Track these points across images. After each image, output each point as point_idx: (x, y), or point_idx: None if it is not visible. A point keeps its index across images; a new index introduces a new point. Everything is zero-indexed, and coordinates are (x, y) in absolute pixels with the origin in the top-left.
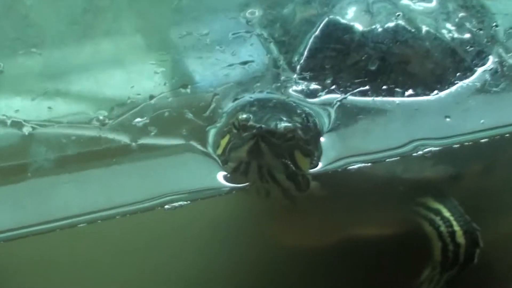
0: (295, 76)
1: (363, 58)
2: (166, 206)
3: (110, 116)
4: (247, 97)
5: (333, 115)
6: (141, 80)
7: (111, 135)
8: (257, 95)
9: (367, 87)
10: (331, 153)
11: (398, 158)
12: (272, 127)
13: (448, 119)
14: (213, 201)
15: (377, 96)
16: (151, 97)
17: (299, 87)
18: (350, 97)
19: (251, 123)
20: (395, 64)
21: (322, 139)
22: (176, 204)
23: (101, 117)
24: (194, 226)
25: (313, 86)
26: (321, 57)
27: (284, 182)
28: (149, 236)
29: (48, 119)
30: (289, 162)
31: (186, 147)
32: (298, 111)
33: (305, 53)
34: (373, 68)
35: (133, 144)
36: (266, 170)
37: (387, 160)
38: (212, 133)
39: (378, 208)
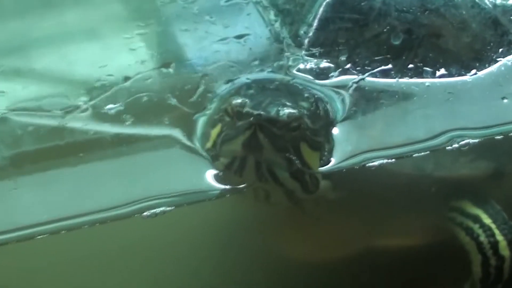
0: (302, 52)
1: (384, 30)
2: (145, 213)
3: (76, 102)
4: (243, 78)
5: (348, 100)
6: (115, 57)
7: (77, 125)
8: (255, 76)
9: (389, 66)
10: (346, 146)
11: (428, 152)
12: (273, 114)
13: (489, 104)
14: (201, 207)
15: (401, 76)
16: (126, 78)
17: (307, 66)
18: (369, 78)
19: (247, 109)
20: (423, 38)
21: (334, 129)
22: (156, 210)
23: (65, 103)
24: (178, 238)
25: (324, 64)
26: (334, 29)
27: (288, 182)
28: (123, 249)
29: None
30: (294, 158)
31: (169, 140)
32: (306, 95)
33: (315, 24)
34: (397, 42)
35: (104, 136)
36: (266, 167)
37: (415, 155)
38: (200, 122)
39: (404, 213)
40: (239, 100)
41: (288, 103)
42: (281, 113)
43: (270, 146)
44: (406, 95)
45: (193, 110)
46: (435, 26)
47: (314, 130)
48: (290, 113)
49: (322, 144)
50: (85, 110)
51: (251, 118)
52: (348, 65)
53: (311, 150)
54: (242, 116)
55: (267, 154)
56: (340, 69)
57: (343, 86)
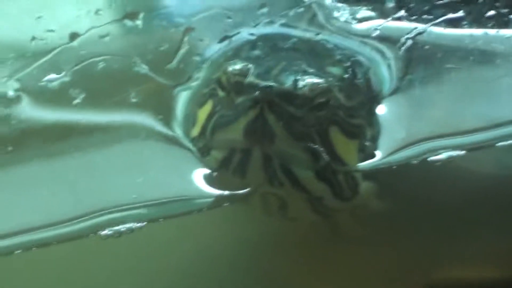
0: None
1: None
2: (104, 232)
3: (2, 71)
4: (245, 33)
5: (399, 64)
6: (56, 4)
7: (4, 107)
8: (262, 30)
9: (460, 13)
10: (397, 132)
11: None
12: (289, 86)
13: None
14: (185, 222)
15: (478, 28)
16: (74, 35)
17: (339, 14)
18: (431, 30)
19: (251, 79)
20: None
21: (380, 107)
22: (120, 227)
23: None
24: (150, 266)
25: (364, 11)
26: None
27: (312, 186)
28: (76, 277)
29: None
30: (321, 149)
31: (137, 126)
32: (337, 58)
33: None
34: None
35: (43, 123)
36: (280, 164)
37: (499, 144)
38: (183, 99)
39: (484, 232)
40: (239, 66)
41: (310, 70)
42: (301, 83)
43: (285, 132)
44: (484, 56)
45: (172, 82)
46: None
47: (350, 108)
48: (313, 83)
49: (362, 129)
50: (16, 83)
51: (256, 92)
52: (401, 12)
53: (345, 137)
54: (244, 89)
55: (281, 144)
56: (388, 18)
57: (392, 43)
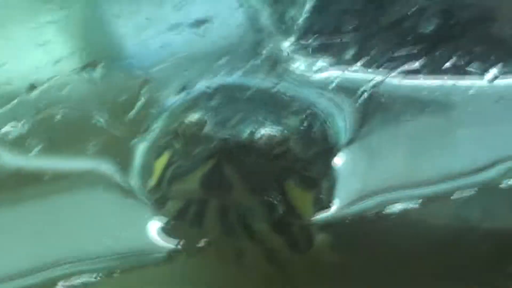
0: (289, 43)
1: (409, 13)
2: (61, 284)
3: None
4: (202, 85)
5: (356, 115)
6: (16, 55)
7: None
8: (220, 81)
9: (416, 65)
10: (353, 184)
11: (474, 191)
12: (246, 138)
13: None
14: (140, 276)
15: (435, 79)
16: (32, 86)
17: (297, 65)
18: (389, 81)
19: (207, 130)
20: (468, 24)
21: (337, 159)
22: (74, 281)
23: None
24: None
25: (321, 63)
26: (336, 12)
27: (267, 237)
28: None
29: None
30: (276, 201)
31: (93, 177)
32: (294, 109)
33: (308, 4)
34: (428, 30)
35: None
36: (236, 215)
37: (455, 196)
38: (140, 150)
39: (443, 284)
40: (196, 117)
41: (267, 121)
42: (257, 135)
43: (242, 184)
44: (441, 106)
45: (130, 133)
46: (484, 7)
47: (306, 160)
48: (270, 135)
49: (318, 181)
50: None
51: (213, 143)
52: (358, 64)
53: (301, 190)
54: (200, 141)
55: (238, 195)
56: (344, 69)
57: (349, 95)
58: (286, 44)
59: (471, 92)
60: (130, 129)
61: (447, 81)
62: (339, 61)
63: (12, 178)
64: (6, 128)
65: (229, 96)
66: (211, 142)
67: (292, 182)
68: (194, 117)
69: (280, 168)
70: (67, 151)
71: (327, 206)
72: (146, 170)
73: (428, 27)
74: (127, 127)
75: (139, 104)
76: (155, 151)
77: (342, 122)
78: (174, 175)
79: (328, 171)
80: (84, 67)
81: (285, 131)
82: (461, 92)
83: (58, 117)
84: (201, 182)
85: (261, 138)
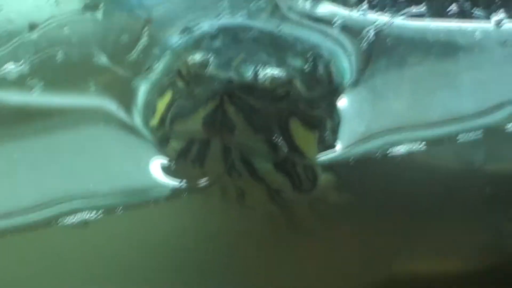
0: None
1: None
2: (66, 220)
3: None
4: (205, 24)
5: (360, 56)
6: None
7: None
8: (223, 22)
9: (422, 6)
10: (357, 124)
11: (479, 134)
12: (250, 77)
13: None
14: (142, 213)
15: (440, 21)
16: (32, 26)
17: (300, 5)
18: (394, 22)
19: (211, 70)
20: None
21: (341, 100)
22: (80, 216)
23: None
24: (106, 260)
25: (326, 3)
26: None
27: (271, 177)
28: (37, 267)
29: None
30: (280, 140)
31: (96, 115)
32: (298, 49)
33: None
34: None
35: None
36: (239, 155)
37: (459, 138)
38: (142, 89)
39: (443, 226)
40: (199, 57)
41: (271, 61)
42: (261, 75)
43: (245, 124)
44: (446, 49)
45: (132, 72)
46: None
47: (310, 100)
48: (274, 75)
49: (322, 120)
50: None
51: (216, 84)
52: (362, 6)
53: (305, 129)
54: (203, 81)
55: (240, 136)
56: (349, 9)
57: (354, 36)
58: None
59: (476, 35)
60: (133, 69)
61: (452, 24)
62: (344, 2)
63: (12, 116)
64: (7, 68)
65: (232, 37)
66: (214, 82)
67: (296, 122)
68: (197, 57)
69: (284, 109)
70: (69, 90)
71: (331, 146)
72: (149, 108)
73: None
74: (129, 66)
75: (141, 43)
76: (157, 90)
77: (346, 63)
78: (176, 114)
79: (332, 112)
80: (85, 7)
81: (289, 72)
82: (467, 35)
83: (59, 56)
84: (204, 122)
85: (264, 78)
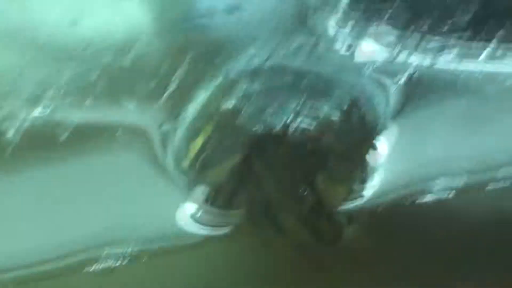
0: (338, 16)
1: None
2: (91, 267)
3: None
4: (239, 69)
5: (395, 102)
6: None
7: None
8: (258, 63)
9: (459, 50)
10: (388, 172)
11: (509, 182)
12: (280, 130)
13: None
14: (169, 260)
15: (475, 64)
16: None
17: (343, 43)
18: (427, 66)
19: (241, 120)
20: (506, 13)
21: (372, 147)
22: (106, 264)
23: None
24: None
25: (363, 44)
26: None
27: (295, 230)
28: None
29: None
30: (306, 193)
31: (122, 150)
32: (333, 96)
33: None
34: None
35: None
36: (263, 207)
37: (489, 186)
38: (179, 129)
39: (475, 275)
40: (231, 104)
41: (303, 111)
42: (292, 127)
43: (270, 178)
44: (480, 94)
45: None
46: None
47: (341, 153)
48: (305, 127)
49: (352, 173)
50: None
51: (245, 135)
52: (397, 48)
53: (333, 183)
54: (233, 131)
55: (265, 188)
56: (385, 52)
57: (388, 79)
58: (336, 15)
59: (509, 82)
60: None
61: (487, 69)
62: (381, 44)
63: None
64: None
65: (267, 81)
66: (243, 133)
67: (323, 176)
68: (229, 104)
69: (312, 163)
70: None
71: (359, 196)
72: (183, 149)
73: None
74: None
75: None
76: (191, 133)
77: (381, 109)
78: (205, 161)
79: (363, 163)
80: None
81: (321, 123)
82: (501, 81)
83: (87, 103)
84: (230, 172)
85: (295, 131)
